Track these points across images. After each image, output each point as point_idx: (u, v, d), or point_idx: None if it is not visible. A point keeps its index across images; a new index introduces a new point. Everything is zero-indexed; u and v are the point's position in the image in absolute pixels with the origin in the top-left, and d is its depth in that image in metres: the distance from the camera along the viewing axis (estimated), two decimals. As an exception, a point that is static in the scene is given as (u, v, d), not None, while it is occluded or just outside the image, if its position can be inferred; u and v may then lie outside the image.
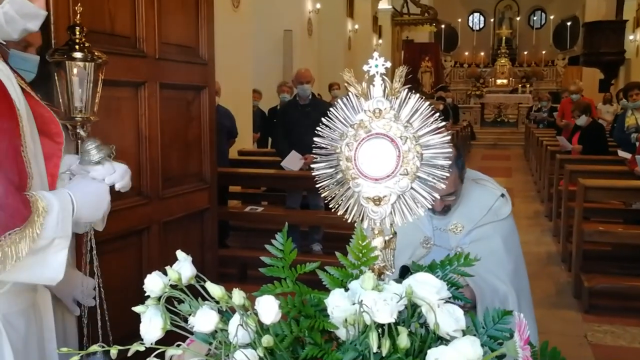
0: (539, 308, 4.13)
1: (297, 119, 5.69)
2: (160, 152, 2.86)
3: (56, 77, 1.89)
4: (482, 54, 25.52)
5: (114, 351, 1.01)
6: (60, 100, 1.88)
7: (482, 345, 0.90)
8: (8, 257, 1.29)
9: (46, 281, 1.47)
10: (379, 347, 0.79)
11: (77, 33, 1.90)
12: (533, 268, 5.54)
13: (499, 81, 24.26)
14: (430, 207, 1.13)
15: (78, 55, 1.88)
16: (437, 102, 14.78)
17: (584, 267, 5.07)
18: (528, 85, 23.64)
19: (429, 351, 0.74)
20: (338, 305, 0.86)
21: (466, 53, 25.70)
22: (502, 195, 2.33)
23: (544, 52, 24.83)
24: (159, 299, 0.98)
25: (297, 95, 5.96)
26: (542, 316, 3.84)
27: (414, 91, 1.17)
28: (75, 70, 1.86)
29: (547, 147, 8.89)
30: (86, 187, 1.55)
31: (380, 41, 19.31)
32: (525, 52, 25.17)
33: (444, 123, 1.16)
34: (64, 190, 1.49)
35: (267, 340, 0.83)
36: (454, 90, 22.09)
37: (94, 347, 1.03)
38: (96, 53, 1.93)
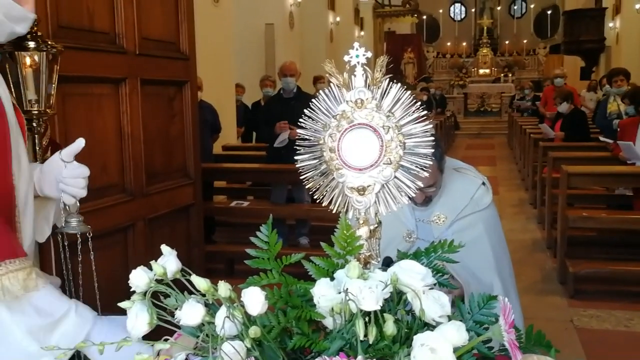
0: (525, 295, 4.18)
1: (281, 113, 5.67)
2: (143, 149, 2.84)
3: (8, 69, 1.77)
4: (464, 44, 25.63)
5: (100, 347, 1.01)
6: (13, 93, 1.76)
7: (468, 330, 0.91)
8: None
9: None
10: (366, 334, 0.79)
11: None
12: (518, 255, 5.60)
13: (481, 71, 24.39)
14: (413, 195, 1.14)
15: (30, 44, 1.77)
16: (421, 93, 14.82)
17: (568, 253, 5.13)
18: (510, 75, 23.80)
19: (415, 337, 0.75)
20: (324, 294, 0.86)
21: (448, 43, 25.80)
22: (483, 183, 2.34)
23: (525, 41, 24.99)
24: (144, 294, 0.98)
25: (282, 88, 5.94)
26: (529, 303, 3.89)
27: (396, 82, 1.17)
28: (27, 61, 1.75)
29: (530, 135, 8.96)
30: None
31: (362, 33, 19.31)
32: (507, 42, 25.31)
33: (425, 112, 1.17)
34: (91, 316, 1.39)
35: (254, 331, 0.83)
36: (437, 81, 22.13)
37: (80, 344, 1.03)
38: (50, 43, 1.82)
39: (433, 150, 2.24)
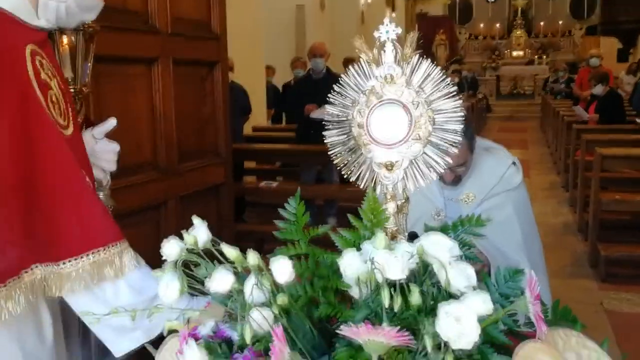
0: (555, 278, 4.14)
1: (310, 93, 5.68)
2: (175, 128, 2.88)
3: None
4: (498, 25, 25.12)
5: (132, 314, 1.05)
6: None
7: (494, 303, 0.91)
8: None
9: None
10: (391, 304, 0.81)
11: None
12: (550, 239, 5.54)
13: (514, 53, 23.93)
14: (442, 171, 1.14)
15: None
16: (452, 75, 14.64)
17: (600, 236, 5.05)
18: (544, 57, 23.30)
19: (439, 305, 0.76)
20: (350, 264, 0.88)
21: (481, 25, 25.32)
22: (514, 163, 2.32)
23: (560, 22, 24.38)
24: (176, 263, 1.00)
25: (311, 69, 5.94)
26: (558, 286, 3.85)
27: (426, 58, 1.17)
28: (64, 40, 1.78)
29: (563, 117, 8.80)
30: None
31: (394, 14, 19.09)
32: (542, 23, 24.73)
33: (455, 87, 1.16)
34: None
35: (281, 298, 0.85)
36: (469, 63, 21.81)
37: (114, 310, 1.06)
38: (87, 23, 1.84)
39: (463, 127, 2.23)
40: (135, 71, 2.64)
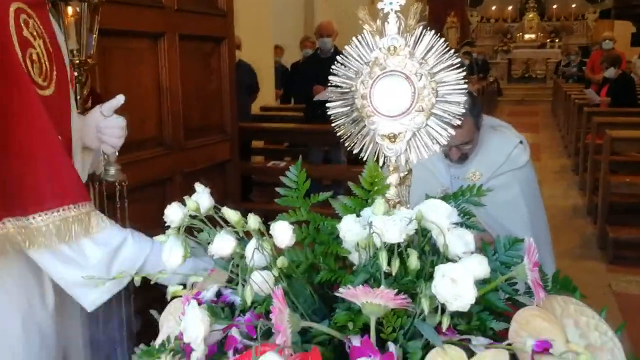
0: (563, 259, 4.13)
1: (318, 73, 5.66)
2: (181, 104, 2.89)
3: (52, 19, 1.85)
4: (510, 8, 24.81)
5: (137, 278, 1.06)
6: None
7: (493, 271, 0.92)
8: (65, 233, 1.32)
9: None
10: (389, 266, 0.81)
11: None
12: (558, 220, 5.53)
13: (527, 36, 23.65)
14: (445, 143, 1.14)
15: None
16: (463, 57, 14.51)
17: (609, 219, 5.04)
18: (557, 40, 23.03)
19: (436, 267, 0.76)
20: (349, 229, 0.88)
21: (493, 8, 25.02)
22: (520, 142, 2.31)
23: (573, 5, 24.03)
24: (179, 229, 1.01)
25: (319, 48, 5.91)
26: (566, 267, 3.81)
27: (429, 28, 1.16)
28: (69, 11, 1.80)
29: (574, 100, 8.73)
30: None
31: (405, -5, 18.89)
32: (555, 6, 24.39)
33: (459, 59, 1.16)
34: (148, 243, 1.44)
35: (281, 261, 0.86)
36: (481, 46, 21.59)
37: (119, 276, 1.08)
38: None
39: (469, 104, 2.21)
40: (142, 45, 2.64)
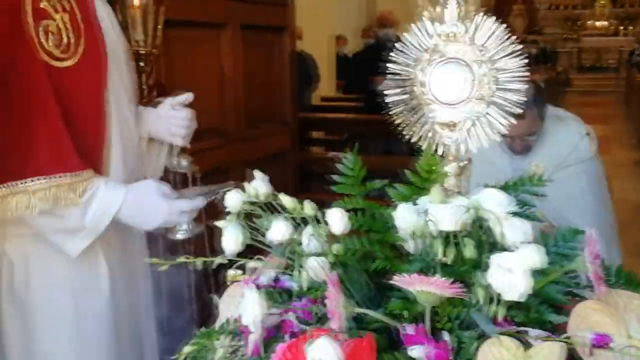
0: (632, 256, 3.97)
1: (378, 63, 5.62)
2: (242, 94, 2.94)
3: (118, 10, 1.89)
4: (580, -6, 23.91)
5: (198, 262, 1.09)
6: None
7: (552, 263, 0.90)
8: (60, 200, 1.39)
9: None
10: (444, 255, 0.81)
11: None
12: (627, 215, 5.32)
13: (597, 23, 22.71)
14: (505, 132, 1.12)
15: None
16: (530, 46, 14.11)
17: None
18: (630, 28, 22.03)
19: (491, 257, 0.76)
20: (405, 217, 0.88)
21: (562, -6, 24.17)
22: (587, 134, 2.24)
23: (648, -10, 22.95)
24: (238, 214, 1.04)
25: (380, 38, 5.87)
26: (634, 264, 3.70)
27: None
28: (135, 3, 1.86)
29: (648, 91, 8.36)
30: (145, 199, 1.51)
31: (470, -17, 18.48)
32: (628, -9, 23.35)
33: (520, 46, 1.13)
34: (122, 191, 1.49)
35: (336, 247, 0.87)
36: (548, 34, 20.91)
37: (181, 259, 1.12)
38: None
39: (533, 94, 2.16)
40: (204, 36, 2.70)
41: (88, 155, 1.46)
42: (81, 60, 1.46)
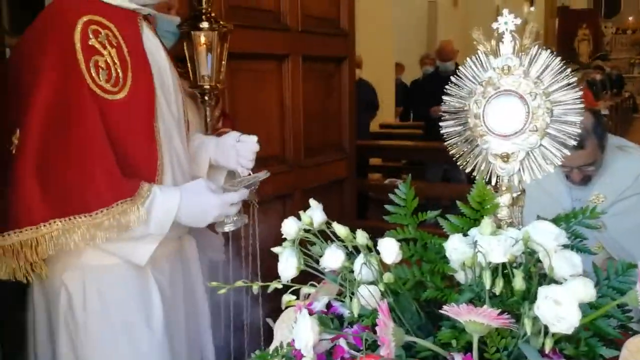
0: None
1: (438, 92, 5.62)
2: (302, 123, 3.01)
3: (185, 47, 2.00)
4: (649, 18, 23.16)
5: (255, 287, 1.14)
6: (190, 69, 1.99)
7: (605, 296, 0.90)
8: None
9: (132, 262, 1.60)
10: (493, 285, 0.82)
11: (203, 3, 1.98)
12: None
13: (668, 48, 21.94)
14: (559, 164, 1.12)
15: (204, 25, 1.96)
16: (594, 72, 13.72)
17: None
18: None
19: (540, 289, 0.76)
20: (456, 248, 0.90)
21: (630, 18, 23.46)
22: None
23: None
24: (294, 241, 1.08)
25: (438, 67, 5.89)
26: None
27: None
28: (202, 40, 1.94)
29: None
30: (198, 197, 1.60)
31: (532, 9, 18.22)
32: (701, 14, 22.47)
33: (575, 78, 1.14)
34: (177, 192, 1.58)
35: (387, 276, 0.90)
36: (616, 60, 20.31)
37: (239, 283, 1.16)
38: (221, 22, 2.00)
39: (593, 124, 2.12)
40: (267, 67, 2.79)
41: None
42: (130, 93, 1.55)
